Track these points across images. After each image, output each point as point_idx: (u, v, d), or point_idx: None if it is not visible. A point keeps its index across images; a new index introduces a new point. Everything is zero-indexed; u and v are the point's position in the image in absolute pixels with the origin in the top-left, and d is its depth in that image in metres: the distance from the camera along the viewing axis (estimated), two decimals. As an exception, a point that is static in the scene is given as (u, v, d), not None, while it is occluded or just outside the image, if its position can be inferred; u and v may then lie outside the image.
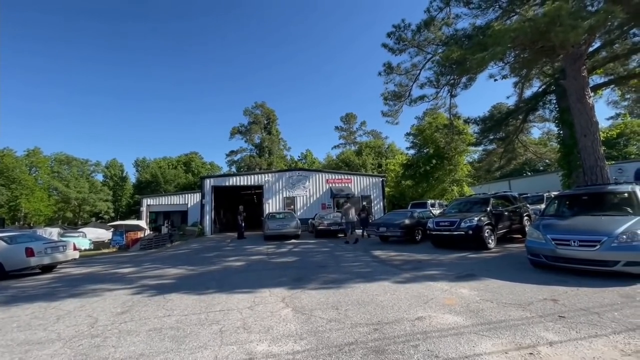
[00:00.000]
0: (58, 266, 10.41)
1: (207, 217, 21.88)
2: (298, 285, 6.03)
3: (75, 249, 10.46)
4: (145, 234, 20.39)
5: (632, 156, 32.00)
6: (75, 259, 10.57)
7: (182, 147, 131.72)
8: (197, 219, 23.75)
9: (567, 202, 7.39)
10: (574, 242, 5.52)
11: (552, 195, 14.19)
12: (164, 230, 24.21)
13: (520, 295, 4.63)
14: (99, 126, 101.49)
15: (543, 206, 12.78)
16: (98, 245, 20.17)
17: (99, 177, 59.44)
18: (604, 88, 13.29)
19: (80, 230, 23.18)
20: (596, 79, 13.05)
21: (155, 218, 31.50)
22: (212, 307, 4.81)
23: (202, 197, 22.19)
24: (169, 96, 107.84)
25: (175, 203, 31.20)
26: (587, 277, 5.31)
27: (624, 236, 5.16)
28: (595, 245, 5.28)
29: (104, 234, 23.20)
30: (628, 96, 15.12)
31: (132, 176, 64.20)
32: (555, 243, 5.75)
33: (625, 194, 6.41)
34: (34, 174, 44.11)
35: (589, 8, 9.24)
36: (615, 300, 4.21)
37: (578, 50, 9.75)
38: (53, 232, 19.24)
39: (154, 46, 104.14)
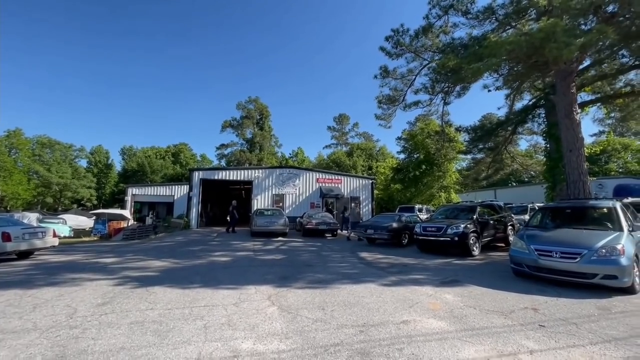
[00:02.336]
0: (36, 253, 10.07)
1: (194, 209, 21.53)
2: (284, 283, 6.01)
3: (55, 235, 10.12)
4: (129, 224, 19.96)
5: (612, 173, 33.22)
6: (54, 246, 10.22)
7: (172, 137, 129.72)
8: (183, 212, 23.32)
9: (551, 214, 7.59)
10: (556, 253, 5.68)
11: (536, 207, 14.61)
12: (149, 221, 23.73)
13: (502, 303, 4.74)
14: (84, 111, 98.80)
15: (527, 217, 13.12)
16: (79, 233, 19.62)
17: (83, 163, 57.77)
18: (590, 105, 13.75)
19: (60, 216, 22.46)
20: (584, 96, 13.49)
21: (140, 208, 30.82)
22: (196, 302, 4.74)
23: (190, 189, 21.80)
24: (160, 83, 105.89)
25: (161, 194, 30.56)
26: (566, 288, 5.48)
27: (603, 250, 5.34)
28: (575, 258, 5.45)
29: (86, 222, 22.54)
30: (613, 114, 15.67)
31: (117, 164, 62.76)
32: (538, 253, 5.90)
33: (606, 210, 6.63)
34: (13, 156, 42.43)
35: (582, 27, 9.52)
36: (592, 312, 4.35)
37: (569, 67, 10.02)
38: (31, 218, 18.51)
39: (144, 29, 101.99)
